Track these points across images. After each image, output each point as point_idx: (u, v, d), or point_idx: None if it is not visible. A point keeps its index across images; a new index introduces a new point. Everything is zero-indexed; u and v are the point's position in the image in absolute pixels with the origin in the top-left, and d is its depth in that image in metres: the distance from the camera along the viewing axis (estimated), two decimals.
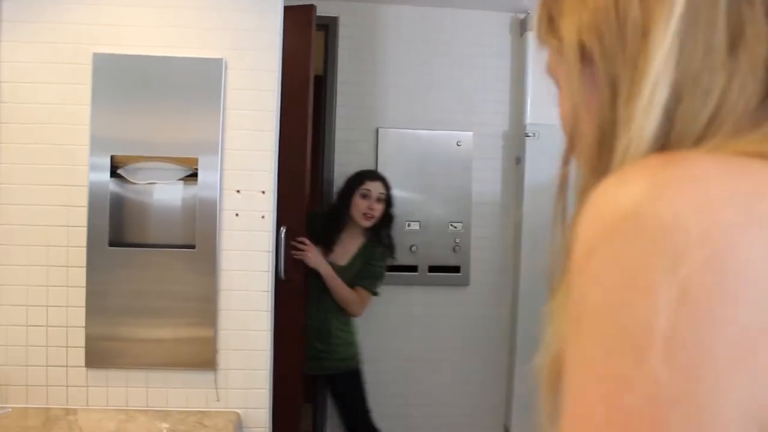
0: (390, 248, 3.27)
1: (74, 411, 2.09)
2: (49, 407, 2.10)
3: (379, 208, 3.17)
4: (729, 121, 0.45)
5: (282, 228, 2.79)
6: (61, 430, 1.94)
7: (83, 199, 2.09)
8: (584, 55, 0.52)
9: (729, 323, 0.35)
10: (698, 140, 0.45)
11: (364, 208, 3.14)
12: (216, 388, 2.15)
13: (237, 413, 2.14)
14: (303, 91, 2.99)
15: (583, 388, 0.40)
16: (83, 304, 2.10)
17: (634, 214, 0.39)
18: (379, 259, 3.21)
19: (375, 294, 3.20)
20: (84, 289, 2.10)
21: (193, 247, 2.12)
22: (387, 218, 3.24)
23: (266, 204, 2.16)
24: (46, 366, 2.11)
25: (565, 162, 0.58)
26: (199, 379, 2.15)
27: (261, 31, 2.15)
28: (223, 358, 2.16)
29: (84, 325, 2.11)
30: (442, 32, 3.70)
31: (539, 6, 0.60)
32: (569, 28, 0.53)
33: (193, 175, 2.12)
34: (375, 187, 3.17)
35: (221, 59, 2.12)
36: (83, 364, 2.12)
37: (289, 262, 2.93)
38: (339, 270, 3.12)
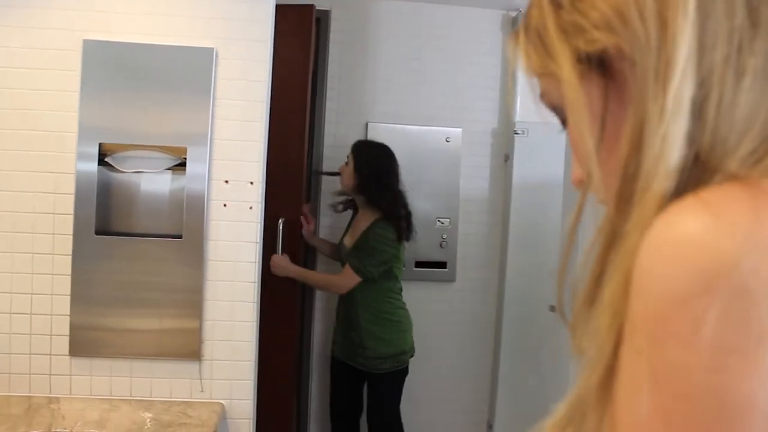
0: (390, 219, 2.99)
1: (57, 400, 2.08)
2: (31, 395, 2.09)
3: (345, 170, 3.09)
4: (761, 116, 0.43)
5: (280, 220, 2.82)
6: (43, 419, 1.93)
7: (70, 187, 2.08)
8: (602, 64, 0.49)
9: None
10: (741, 136, 0.43)
11: None
12: (200, 379, 2.15)
13: (221, 404, 2.14)
14: (301, 89, 3.03)
15: None
16: (68, 292, 2.09)
17: (737, 271, 0.36)
18: (372, 237, 2.97)
19: (358, 270, 2.96)
20: (69, 277, 2.09)
21: (180, 236, 2.11)
22: (367, 185, 3.05)
23: (254, 195, 2.15)
24: (30, 354, 2.10)
25: (585, 193, 0.53)
26: (184, 369, 2.15)
27: (252, 22, 2.14)
28: (208, 348, 2.15)
29: (69, 313, 2.09)
30: (434, 28, 3.70)
31: (523, 34, 0.56)
32: (576, 42, 0.49)
33: (182, 165, 2.11)
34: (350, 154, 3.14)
35: (212, 49, 2.11)
36: (67, 352, 2.11)
37: (288, 253, 2.97)
38: (346, 254, 3.05)
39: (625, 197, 0.45)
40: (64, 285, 2.09)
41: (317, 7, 3.32)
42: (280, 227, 2.86)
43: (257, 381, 2.24)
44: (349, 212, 3.28)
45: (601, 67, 0.49)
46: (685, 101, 0.42)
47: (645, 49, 0.44)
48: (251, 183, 2.15)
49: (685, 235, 0.39)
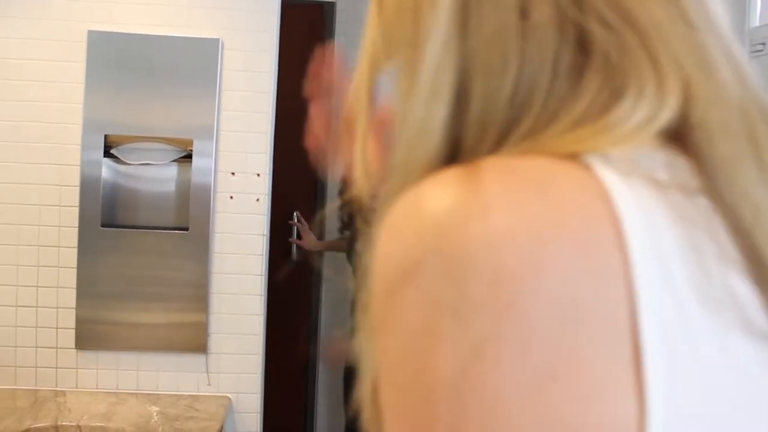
0: None
1: (63, 393, 2.07)
2: (37, 389, 2.08)
3: None
4: (535, 101, 0.40)
5: (296, 213, 2.85)
6: (50, 412, 1.92)
7: (75, 179, 2.06)
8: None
9: (519, 371, 0.33)
10: (507, 126, 0.40)
11: None
12: (207, 372, 2.13)
13: (228, 398, 2.12)
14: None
15: None
16: (74, 285, 2.08)
17: (439, 251, 0.34)
18: None
19: None
20: (75, 270, 2.07)
21: (186, 229, 2.10)
22: None
23: (261, 187, 2.13)
24: (36, 347, 2.09)
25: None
26: (191, 362, 2.13)
27: (258, 12, 2.12)
28: (215, 342, 2.14)
29: (74, 306, 2.08)
30: None
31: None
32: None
33: (188, 157, 2.09)
34: None
35: (218, 39, 2.09)
36: (73, 345, 2.09)
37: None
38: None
39: (387, 193, 0.43)
40: (70, 278, 2.08)
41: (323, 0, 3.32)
42: (296, 220, 2.90)
43: (265, 374, 2.23)
44: None
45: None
46: (443, 95, 0.40)
47: (401, 45, 0.44)
48: (258, 175, 2.13)
49: (395, 221, 0.37)
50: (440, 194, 0.36)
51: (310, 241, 3.20)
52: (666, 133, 0.40)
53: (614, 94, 0.40)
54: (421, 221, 0.35)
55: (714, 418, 0.35)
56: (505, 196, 0.35)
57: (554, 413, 0.33)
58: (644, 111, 0.39)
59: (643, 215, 0.35)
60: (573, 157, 0.37)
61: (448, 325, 0.33)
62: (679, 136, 0.40)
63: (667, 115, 0.39)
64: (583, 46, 0.41)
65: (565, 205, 0.35)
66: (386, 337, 0.36)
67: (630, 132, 0.39)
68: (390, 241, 0.37)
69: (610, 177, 0.35)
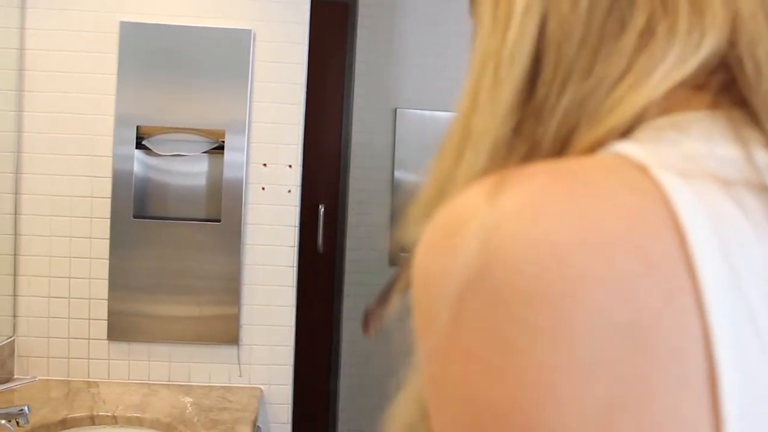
0: None
1: (96, 384, 2.07)
2: (70, 379, 2.08)
3: None
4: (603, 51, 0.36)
5: (321, 206, 2.86)
6: (84, 402, 1.92)
7: (107, 170, 2.06)
8: None
9: (580, 404, 0.29)
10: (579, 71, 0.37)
11: None
12: (239, 364, 2.13)
13: (260, 389, 2.12)
14: (338, 78, 3.24)
15: None
16: (106, 276, 2.08)
17: (474, 268, 0.31)
18: None
19: None
20: (107, 261, 2.08)
21: (218, 220, 2.10)
22: None
23: (293, 178, 2.13)
24: (68, 338, 2.09)
25: None
26: (222, 354, 2.13)
27: (290, 3, 2.12)
28: (246, 333, 2.14)
29: (107, 297, 2.08)
30: (462, 13, 3.66)
31: None
32: None
33: (220, 148, 2.09)
34: None
35: (250, 30, 2.09)
36: (105, 337, 2.09)
37: (324, 236, 3.01)
38: None
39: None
40: (102, 269, 2.08)
41: None
42: (321, 213, 2.90)
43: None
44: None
45: None
46: (523, 54, 0.37)
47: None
48: (289, 166, 2.13)
49: (430, 234, 0.34)
50: (483, 203, 0.32)
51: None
52: (718, 83, 0.36)
53: (650, 36, 0.36)
54: (462, 233, 0.31)
55: None
56: (554, 205, 0.31)
57: None
58: (674, 54, 0.35)
59: (709, 222, 0.31)
60: (618, 153, 0.34)
61: (497, 353, 0.30)
62: (730, 78, 0.36)
63: (704, 53, 0.35)
64: None
65: (622, 213, 0.31)
66: (431, 362, 0.33)
67: (658, 83, 0.35)
68: (430, 256, 0.33)
69: (668, 179, 0.31)
